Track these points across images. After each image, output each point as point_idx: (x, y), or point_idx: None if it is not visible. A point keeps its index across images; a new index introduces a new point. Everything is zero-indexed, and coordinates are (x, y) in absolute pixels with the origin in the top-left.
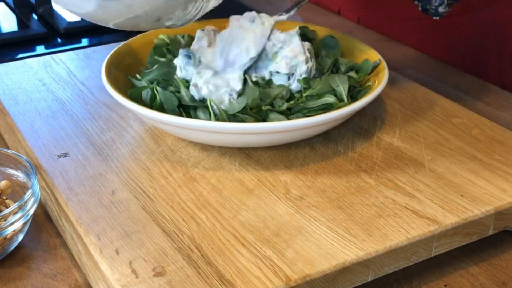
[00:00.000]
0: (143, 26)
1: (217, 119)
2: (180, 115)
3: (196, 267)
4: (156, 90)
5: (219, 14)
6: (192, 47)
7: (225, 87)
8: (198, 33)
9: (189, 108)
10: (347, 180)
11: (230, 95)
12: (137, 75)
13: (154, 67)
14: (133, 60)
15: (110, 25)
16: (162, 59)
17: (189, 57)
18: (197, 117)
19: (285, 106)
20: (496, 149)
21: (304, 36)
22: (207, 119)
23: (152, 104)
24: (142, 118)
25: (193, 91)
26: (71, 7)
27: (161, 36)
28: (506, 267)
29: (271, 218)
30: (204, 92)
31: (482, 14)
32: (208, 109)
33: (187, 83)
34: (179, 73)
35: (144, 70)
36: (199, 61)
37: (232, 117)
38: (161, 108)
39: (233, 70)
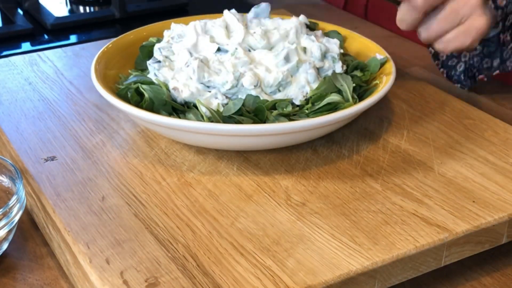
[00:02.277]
0: None
1: (211, 121)
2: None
3: (191, 278)
4: (142, 88)
5: (214, 10)
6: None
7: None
8: (165, 33)
9: (179, 110)
10: (352, 185)
11: (216, 97)
12: (116, 85)
13: (131, 76)
14: (124, 58)
15: None
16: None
17: (158, 61)
18: (188, 119)
19: (289, 108)
20: (510, 152)
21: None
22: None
23: (140, 103)
24: (134, 119)
25: (173, 94)
26: None
27: (151, 38)
28: None
29: (271, 226)
30: (186, 95)
31: None
32: (198, 111)
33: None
34: (154, 78)
35: (123, 76)
36: (170, 61)
37: (227, 119)
38: (151, 106)
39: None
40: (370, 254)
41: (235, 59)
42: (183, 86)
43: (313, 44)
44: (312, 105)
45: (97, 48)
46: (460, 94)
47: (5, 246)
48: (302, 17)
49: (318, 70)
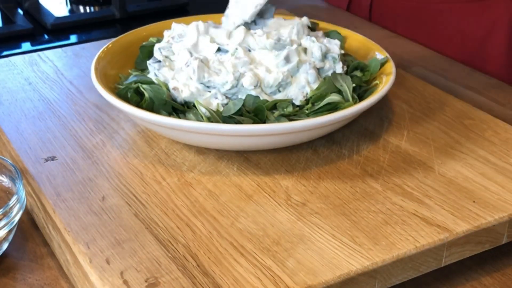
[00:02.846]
0: None
1: (210, 121)
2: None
3: (191, 278)
4: (143, 87)
5: (214, 10)
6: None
7: (209, 89)
8: (165, 33)
9: (179, 110)
10: (352, 185)
11: (216, 97)
12: (116, 84)
13: (131, 76)
14: (124, 58)
15: None
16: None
17: (158, 61)
18: (188, 119)
19: (290, 108)
20: (511, 152)
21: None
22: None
23: (140, 103)
24: (134, 119)
25: (174, 94)
26: None
27: (151, 38)
28: None
29: (271, 226)
30: (186, 95)
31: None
32: (198, 111)
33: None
34: (154, 77)
35: (122, 76)
36: (170, 61)
37: (227, 119)
38: (151, 106)
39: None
40: (370, 254)
41: (235, 59)
42: (183, 86)
43: (313, 45)
44: (312, 105)
45: (97, 48)
46: (460, 95)
47: (5, 246)
48: (304, 19)
49: (319, 70)
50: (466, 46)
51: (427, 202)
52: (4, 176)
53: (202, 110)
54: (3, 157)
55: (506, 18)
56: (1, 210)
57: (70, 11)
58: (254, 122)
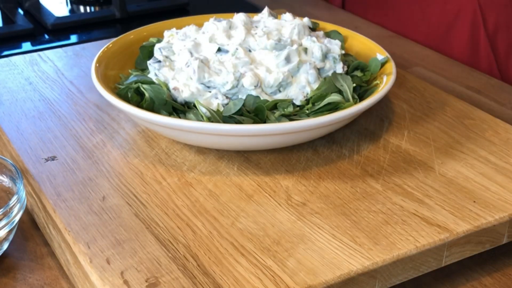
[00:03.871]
0: None
1: (211, 121)
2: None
3: (192, 278)
4: (143, 88)
5: (214, 10)
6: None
7: (209, 89)
8: (165, 33)
9: (179, 110)
10: (352, 185)
11: (216, 98)
12: (117, 84)
13: (131, 76)
14: (124, 58)
15: None
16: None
17: (158, 61)
18: (188, 119)
19: (290, 108)
20: (511, 152)
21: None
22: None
23: (140, 103)
24: (135, 119)
25: (174, 94)
26: None
27: (151, 38)
28: None
29: (272, 226)
30: (186, 95)
31: None
32: (198, 111)
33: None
34: (154, 77)
35: (123, 76)
36: (171, 61)
37: (228, 119)
38: (151, 106)
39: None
40: (371, 254)
41: (235, 59)
42: (184, 86)
43: (314, 45)
44: (313, 105)
45: (98, 48)
46: (461, 95)
47: (5, 246)
48: (305, 19)
49: (319, 70)
50: (432, 32)
51: (428, 202)
52: (4, 176)
53: (203, 110)
54: (4, 157)
55: (469, 6)
56: (2, 210)
57: (71, 11)
58: (255, 122)
